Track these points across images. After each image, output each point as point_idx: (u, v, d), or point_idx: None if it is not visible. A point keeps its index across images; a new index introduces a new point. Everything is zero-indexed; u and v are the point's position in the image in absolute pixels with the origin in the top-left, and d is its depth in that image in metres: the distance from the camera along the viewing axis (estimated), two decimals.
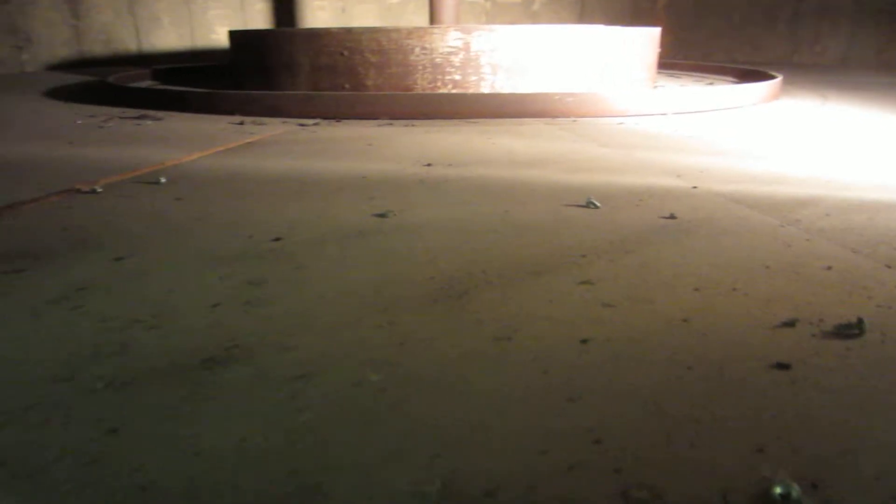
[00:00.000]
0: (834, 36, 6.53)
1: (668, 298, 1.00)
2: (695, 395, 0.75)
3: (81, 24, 6.45)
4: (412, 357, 0.84)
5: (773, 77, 3.82)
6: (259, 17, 6.98)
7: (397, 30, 3.56)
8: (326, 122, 3.02)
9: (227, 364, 0.82)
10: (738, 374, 0.79)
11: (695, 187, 1.70)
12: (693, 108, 3.22)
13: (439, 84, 3.53)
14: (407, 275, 1.11)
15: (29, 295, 1.05)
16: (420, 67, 3.56)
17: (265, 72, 3.91)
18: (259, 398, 0.75)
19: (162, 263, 1.19)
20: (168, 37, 6.75)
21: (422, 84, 3.55)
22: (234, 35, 4.32)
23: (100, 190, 1.73)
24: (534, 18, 7.57)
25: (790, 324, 0.91)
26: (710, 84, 4.34)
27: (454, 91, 3.48)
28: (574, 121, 2.91)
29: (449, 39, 3.51)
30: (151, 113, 3.28)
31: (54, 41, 6.33)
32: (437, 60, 3.52)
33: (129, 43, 6.64)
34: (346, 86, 3.66)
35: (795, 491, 0.56)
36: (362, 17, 7.27)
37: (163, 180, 1.81)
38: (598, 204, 1.50)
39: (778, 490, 0.56)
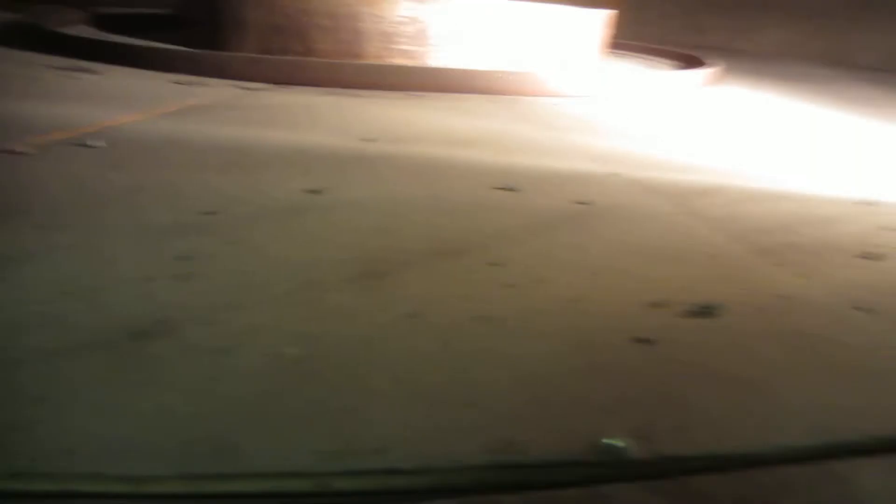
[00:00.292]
0: (770, 26, 6.80)
1: (564, 280, 1.13)
2: (566, 365, 0.87)
3: None
4: (330, 331, 0.94)
5: (711, 65, 3.99)
6: None
7: None
8: (272, 86, 3.03)
9: (154, 337, 0.90)
10: (607, 347, 0.92)
11: (612, 173, 1.83)
12: (633, 92, 3.36)
13: (389, 53, 3.56)
14: (334, 253, 1.20)
15: None
16: (370, 35, 3.57)
17: (214, 27, 3.84)
18: (182, 369, 0.84)
19: (92, 234, 1.23)
20: None
21: (371, 52, 3.57)
22: None
23: (30, 152, 1.73)
24: None
25: (662, 304, 1.05)
26: (655, 68, 4.49)
27: (403, 61, 3.52)
28: (515, 99, 3.01)
29: (401, 9, 3.52)
30: (90, 65, 3.20)
31: None
32: (388, 29, 3.54)
33: None
34: (297, 48, 3.64)
35: (624, 443, 0.70)
36: None
37: (98, 144, 1.83)
38: (520, 188, 1.61)
39: (608, 441, 0.70)
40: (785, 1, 6.63)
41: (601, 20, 3.94)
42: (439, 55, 3.53)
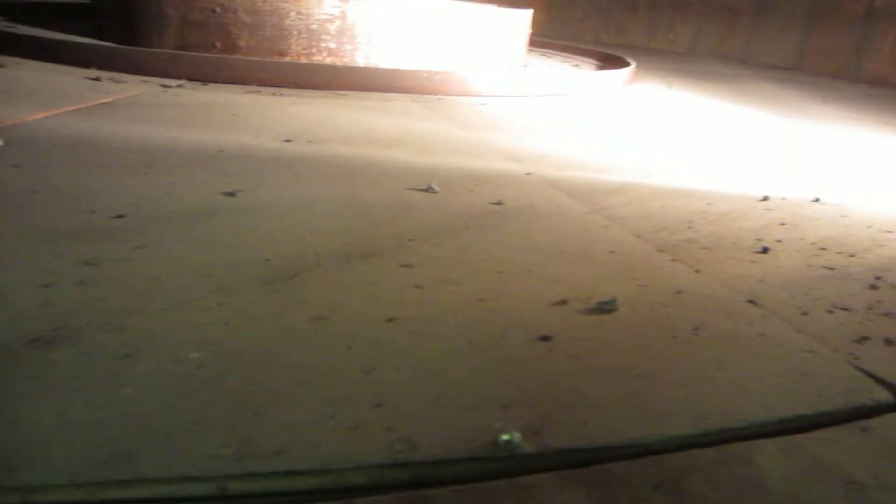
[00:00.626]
0: (684, 26, 7.14)
1: (472, 280, 1.16)
2: (469, 364, 0.91)
3: None
4: (235, 336, 0.94)
5: (629, 64, 4.14)
6: None
7: None
8: (192, 84, 2.95)
9: (54, 344, 0.88)
10: (509, 345, 0.96)
11: (529, 173, 1.89)
12: (554, 92, 3.45)
13: (314, 51, 3.53)
14: (245, 257, 1.20)
15: None
16: (295, 32, 3.53)
17: (131, 21, 3.71)
18: (82, 376, 0.82)
19: None
20: None
21: (296, 49, 3.53)
22: None
23: None
24: None
25: (563, 302, 1.10)
26: (576, 66, 4.62)
27: (328, 59, 3.49)
28: (440, 99, 3.04)
29: (325, 7, 3.49)
30: None
31: None
32: (313, 27, 3.50)
33: None
34: (218, 45, 3.55)
35: (516, 437, 0.73)
36: None
37: (0, 143, 1.75)
38: (437, 189, 1.64)
39: (503, 437, 0.73)
40: (699, 2, 6.97)
41: (526, 20, 4.03)
42: (365, 54, 3.52)
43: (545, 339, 0.98)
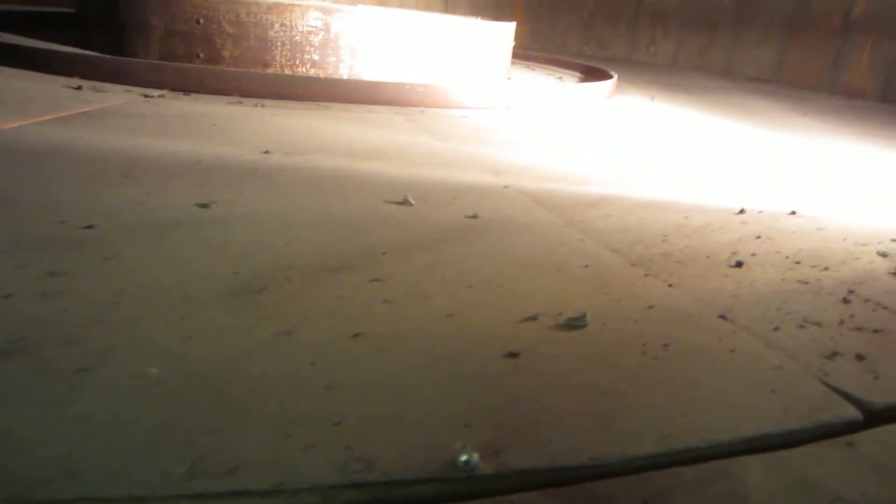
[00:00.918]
0: (665, 39, 7.23)
1: (443, 295, 1.15)
2: (434, 381, 0.89)
3: None
4: (196, 351, 0.92)
5: (612, 76, 4.17)
6: None
7: (256, 3, 3.50)
8: (174, 94, 2.94)
9: (9, 356, 0.86)
10: (476, 361, 0.95)
11: (507, 186, 1.89)
12: (538, 104, 3.46)
13: (298, 62, 3.52)
14: (213, 269, 1.18)
15: None
16: (279, 44, 3.52)
17: (115, 31, 3.69)
18: (35, 391, 0.80)
19: None
20: None
21: (280, 61, 3.52)
22: None
23: None
24: (401, 2, 7.62)
25: (533, 317, 1.09)
26: (560, 78, 4.64)
27: (312, 71, 3.49)
28: (423, 111, 3.04)
29: (309, 19, 3.50)
30: None
31: None
32: (297, 39, 3.50)
33: None
34: (201, 55, 3.54)
35: (475, 458, 0.72)
36: None
37: None
38: (413, 202, 1.63)
39: (462, 458, 0.72)
40: (679, 15, 7.06)
41: (509, 32, 4.05)
42: (349, 65, 3.52)
43: (513, 355, 0.97)
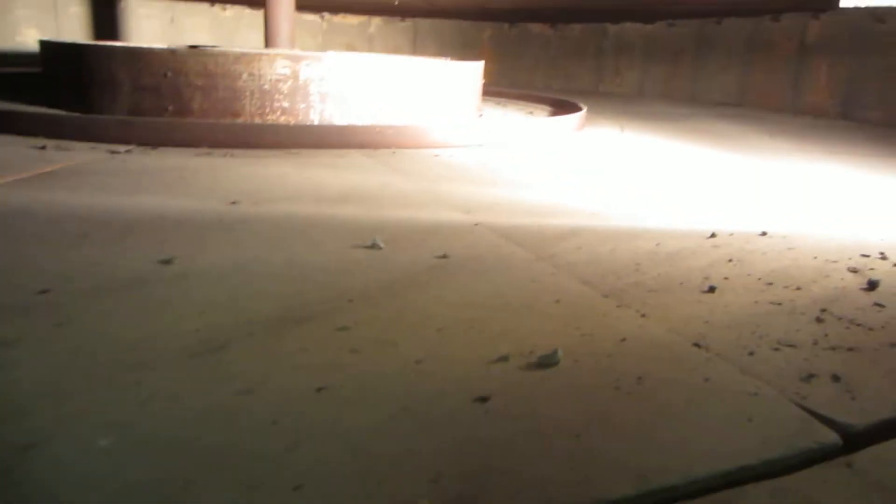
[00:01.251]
0: (630, 69, 7.41)
1: (411, 340, 1.12)
2: (401, 433, 0.86)
3: None
4: (151, 416, 0.88)
5: (581, 109, 4.23)
6: (75, 23, 6.50)
7: (224, 54, 3.52)
8: (142, 149, 2.92)
9: None
10: (446, 409, 0.92)
11: (477, 223, 1.87)
12: (508, 139, 3.49)
13: (268, 110, 3.53)
14: (172, 328, 1.14)
15: None
16: (248, 93, 3.54)
17: (82, 88, 3.69)
18: None
19: None
20: None
21: (250, 110, 3.53)
22: (45, 46, 4.04)
23: None
24: (370, 41, 7.74)
25: (504, 358, 1.06)
26: (530, 113, 4.70)
27: (283, 118, 3.50)
28: (394, 152, 3.05)
29: (277, 67, 3.52)
30: None
31: None
32: (266, 87, 3.52)
33: None
34: (170, 108, 3.54)
35: None
36: (193, 30, 7.03)
37: None
38: (382, 245, 1.61)
39: None
40: (642, 46, 7.25)
41: (478, 71, 4.11)
42: (319, 111, 3.54)
43: (483, 399, 0.93)
